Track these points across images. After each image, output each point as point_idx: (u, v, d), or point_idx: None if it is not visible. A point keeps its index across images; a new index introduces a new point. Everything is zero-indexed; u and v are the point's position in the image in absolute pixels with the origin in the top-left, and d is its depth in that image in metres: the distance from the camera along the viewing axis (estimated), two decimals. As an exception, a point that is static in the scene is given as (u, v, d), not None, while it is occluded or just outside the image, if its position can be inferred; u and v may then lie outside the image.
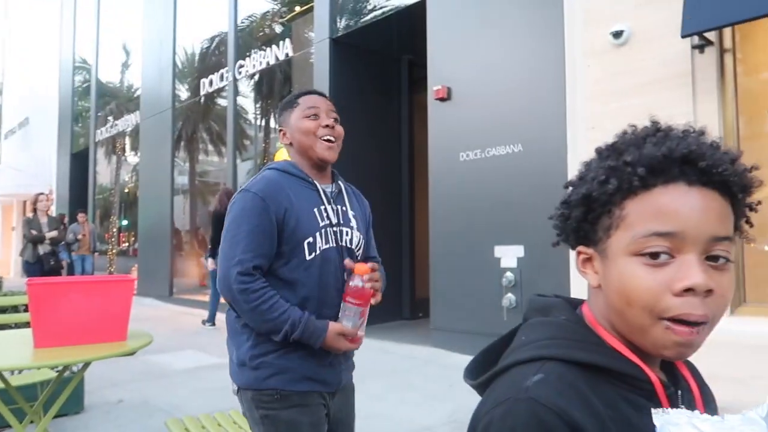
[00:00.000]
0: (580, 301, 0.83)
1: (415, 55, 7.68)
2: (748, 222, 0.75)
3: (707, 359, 3.83)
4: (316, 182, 1.73)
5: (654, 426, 0.68)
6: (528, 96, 5.26)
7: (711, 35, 4.02)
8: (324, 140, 1.72)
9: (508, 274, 5.20)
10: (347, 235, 1.74)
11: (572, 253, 0.81)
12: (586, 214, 0.74)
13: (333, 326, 1.62)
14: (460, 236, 5.65)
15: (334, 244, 1.69)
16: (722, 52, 4.11)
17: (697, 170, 0.68)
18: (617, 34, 4.43)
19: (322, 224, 1.67)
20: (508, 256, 5.19)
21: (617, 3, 4.48)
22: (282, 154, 9.42)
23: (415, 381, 4.76)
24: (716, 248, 0.68)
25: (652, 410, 0.69)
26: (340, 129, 1.77)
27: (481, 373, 0.77)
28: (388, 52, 8.09)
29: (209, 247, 7.67)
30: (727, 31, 4.11)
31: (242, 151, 11.38)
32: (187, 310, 9.44)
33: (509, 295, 5.18)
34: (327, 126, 1.73)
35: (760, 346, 3.62)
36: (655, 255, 0.67)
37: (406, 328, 7.18)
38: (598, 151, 0.77)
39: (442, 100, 5.89)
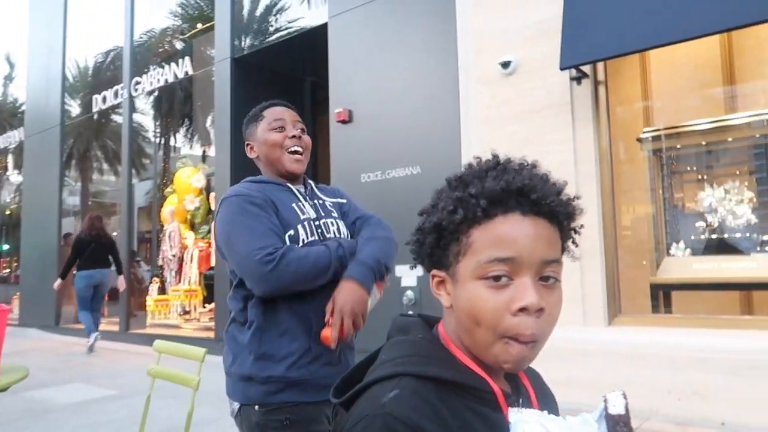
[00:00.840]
0: (438, 320, 0.90)
1: (318, 77, 7.75)
2: (574, 243, 0.84)
3: (590, 367, 4.09)
4: (288, 184, 1.74)
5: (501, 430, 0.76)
6: (426, 120, 5.47)
7: (587, 68, 4.38)
8: (291, 152, 1.72)
9: (409, 292, 5.33)
10: (333, 225, 1.73)
11: None
12: (438, 240, 0.81)
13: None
14: (363, 256, 5.72)
15: (319, 238, 1.66)
16: (596, 84, 4.49)
17: (530, 201, 0.76)
18: (505, 65, 4.72)
19: (303, 217, 1.66)
20: (409, 275, 5.32)
21: (505, 36, 4.79)
22: (183, 174, 9.15)
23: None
24: (547, 270, 0.76)
25: (510, 409, 0.77)
26: (307, 139, 1.78)
27: (348, 392, 0.82)
28: (291, 73, 8.11)
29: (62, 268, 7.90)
30: (600, 66, 4.50)
31: (140, 170, 10.91)
32: (75, 340, 8.81)
33: (410, 313, 5.29)
34: (294, 137, 1.74)
35: (635, 354, 3.94)
36: (496, 278, 0.74)
37: (311, 350, 7.11)
38: (448, 181, 0.84)
39: (343, 122, 5.98)
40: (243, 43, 7.61)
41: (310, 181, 1.83)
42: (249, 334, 1.57)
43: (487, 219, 0.76)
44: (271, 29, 7.51)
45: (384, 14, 5.88)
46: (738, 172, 4.70)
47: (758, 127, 4.43)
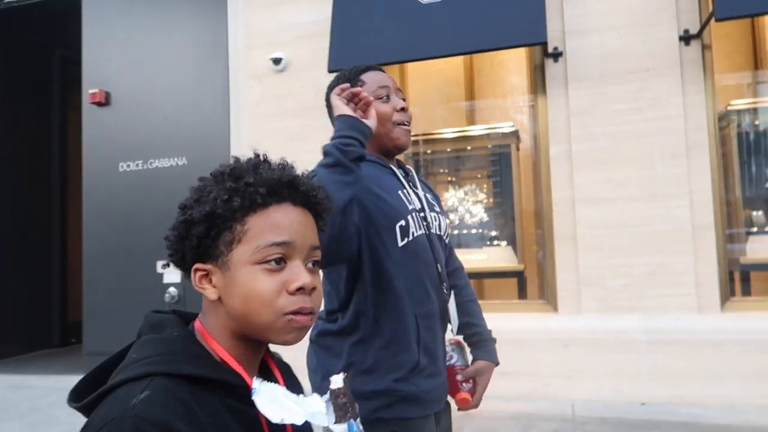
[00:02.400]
0: (194, 316, 0.89)
1: (70, 51, 6.90)
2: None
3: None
4: (391, 166, 1.50)
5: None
6: (194, 109, 5.23)
7: (353, 73, 4.63)
8: (400, 125, 1.51)
9: (171, 289, 5.06)
10: (435, 220, 1.53)
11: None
12: (209, 230, 0.81)
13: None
14: (119, 252, 5.27)
15: (425, 231, 1.46)
16: (362, 88, 4.77)
17: (300, 193, 0.84)
18: (277, 61, 4.75)
19: (410, 207, 1.46)
20: (171, 271, 5.06)
21: (277, 32, 4.82)
22: None
23: (62, 415, 4.24)
24: (314, 255, 0.84)
25: (254, 378, 0.81)
26: (410, 111, 1.55)
27: (89, 395, 0.76)
28: (35, 43, 7.07)
29: None
30: (366, 72, 4.79)
31: None
32: None
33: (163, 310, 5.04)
34: (402, 109, 1.52)
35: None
36: (276, 261, 0.80)
37: (55, 357, 6.34)
38: (214, 175, 0.85)
39: (99, 104, 5.42)
40: (-30, -1, 6.41)
41: (410, 167, 1.66)
42: (348, 345, 1.41)
43: (263, 207, 0.81)
44: (10, -12, 6.46)
45: (150, -9, 5.47)
46: (479, 176, 5.42)
47: (494, 138, 5.16)
